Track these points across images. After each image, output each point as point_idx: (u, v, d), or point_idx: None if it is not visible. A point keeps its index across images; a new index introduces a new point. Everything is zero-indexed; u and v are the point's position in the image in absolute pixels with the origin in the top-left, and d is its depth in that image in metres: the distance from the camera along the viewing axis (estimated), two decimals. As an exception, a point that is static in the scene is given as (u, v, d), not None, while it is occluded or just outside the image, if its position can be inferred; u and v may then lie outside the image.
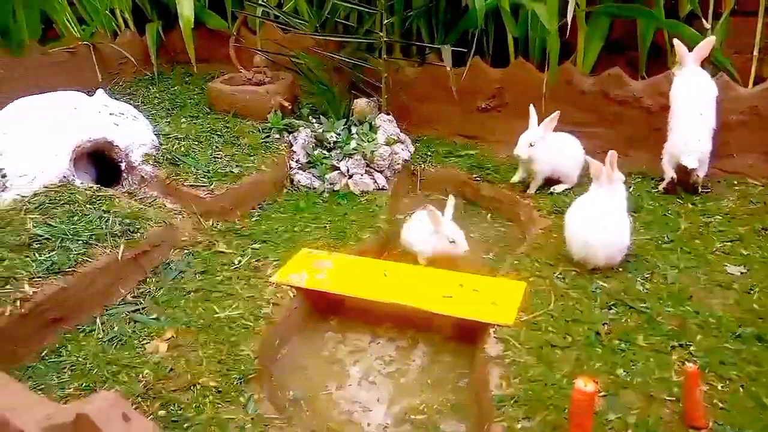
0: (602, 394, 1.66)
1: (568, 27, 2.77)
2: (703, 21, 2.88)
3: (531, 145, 2.69)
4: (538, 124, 2.69)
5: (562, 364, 1.79)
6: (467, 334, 2.10)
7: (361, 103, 3.28)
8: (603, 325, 1.94)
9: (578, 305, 2.04)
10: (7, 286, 1.81)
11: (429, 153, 3.31)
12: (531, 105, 2.72)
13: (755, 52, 2.83)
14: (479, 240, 2.78)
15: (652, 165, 2.85)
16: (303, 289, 2.21)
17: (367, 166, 3.08)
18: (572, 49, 3.13)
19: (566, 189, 2.80)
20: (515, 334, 1.91)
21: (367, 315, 2.26)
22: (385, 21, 3.18)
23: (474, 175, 3.08)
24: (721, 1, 2.91)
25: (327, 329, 2.23)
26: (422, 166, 3.23)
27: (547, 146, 2.71)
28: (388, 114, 3.31)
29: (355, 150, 3.07)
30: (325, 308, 2.29)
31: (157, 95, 3.66)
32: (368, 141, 3.12)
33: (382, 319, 2.24)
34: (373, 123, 3.24)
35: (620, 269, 2.21)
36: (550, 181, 2.83)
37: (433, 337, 2.17)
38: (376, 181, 3.04)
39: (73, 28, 3.73)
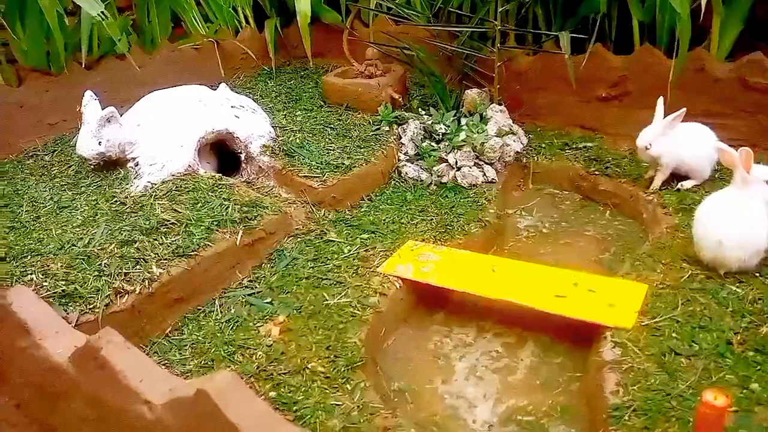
0: (734, 409, 1.51)
1: (702, 11, 2.53)
2: None
3: (647, 148, 2.50)
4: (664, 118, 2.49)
5: (687, 374, 1.65)
6: (580, 336, 2.00)
7: (471, 94, 3.22)
8: (735, 334, 1.77)
9: (707, 311, 1.88)
10: (138, 267, 1.95)
11: (543, 145, 3.18)
12: (660, 97, 2.52)
13: None
14: (597, 238, 2.64)
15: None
16: (409, 281, 2.21)
17: (477, 158, 3.02)
18: (705, 33, 2.87)
19: (695, 185, 2.58)
20: (634, 339, 1.79)
21: (474, 310, 2.21)
22: (500, 8, 3.09)
23: (592, 169, 2.92)
24: None
25: (432, 322, 2.21)
26: (535, 158, 3.11)
27: (673, 138, 2.50)
28: (500, 104, 3.22)
29: (464, 142, 3.01)
30: (430, 301, 2.27)
31: (275, 89, 3.79)
32: (478, 132, 3.05)
33: (489, 315, 2.18)
34: (484, 114, 3.16)
35: (757, 274, 2.00)
36: (677, 176, 2.62)
37: (542, 337, 2.08)
38: (485, 174, 2.97)
39: (199, 25, 3.96)
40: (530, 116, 3.38)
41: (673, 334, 1.79)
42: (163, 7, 3.66)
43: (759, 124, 2.72)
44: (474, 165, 2.99)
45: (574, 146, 3.13)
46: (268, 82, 3.95)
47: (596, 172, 2.91)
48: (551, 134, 3.28)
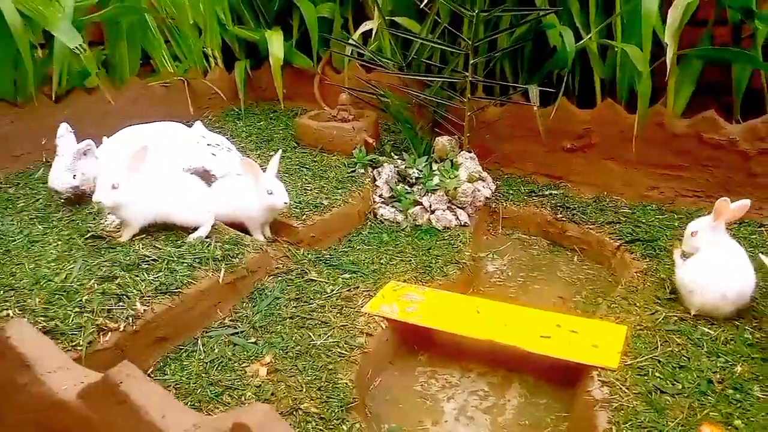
0: (722, 446, 1.57)
1: (668, 70, 2.73)
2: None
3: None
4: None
5: (675, 412, 1.71)
6: (563, 376, 2.04)
7: (442, 141, 3.31)
8: (713, 373, 1.85)
9: (684, 351, 1.96)
10: (120, 303, 1.87)
11: (511, 191, 3.29)
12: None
13: None
14: (567, 281, 2.73)
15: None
16: (393, 321, 2.21)
17: (449, 202, 3.09)
18: (660, 91, 3.09)
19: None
20: (621, 378, 1.84)
21: (458, 351, 2.23)
22: (471, 61, 3.23)
23: (559, 215, 3.04)
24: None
25: (417, 363, 2.21)
26: (504, 204, 3.22)
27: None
28: (470, 152, 3.33)
29: (438, 186, 3.09)
30: (414, 341, 2.27)
31: (245, 129, 3.79)
32: (450, 177, 3.13)
33: (473, 355, 2.20)
34: (454, 160, 3.26)
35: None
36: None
37: (526, 377, 2.12)
38: (458, 218, 3.03)
39: (167, 64, 3.94)
40: (498, 164, 3.50)
41: (657, 374, 1.85)
42: (134, 44, 3.63)
43: (713, 176, 2.91)
44: (447, 209, 3.05)
45: (540, 193, 3.25)
46: (237, 122, 3.95)
47: (563, 219, 3.03)
48: (518, 181, 3.40)
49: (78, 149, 2.39)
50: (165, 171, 2.39)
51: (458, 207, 3.08)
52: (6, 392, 1.35)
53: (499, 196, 3.25)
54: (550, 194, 3.23)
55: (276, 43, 3.84)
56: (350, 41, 3.66)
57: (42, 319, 1.74)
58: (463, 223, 3.02)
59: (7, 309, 1.76)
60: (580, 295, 2.62)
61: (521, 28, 3.29)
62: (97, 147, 2.53)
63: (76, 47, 2.83)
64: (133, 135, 2.71)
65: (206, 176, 2.75)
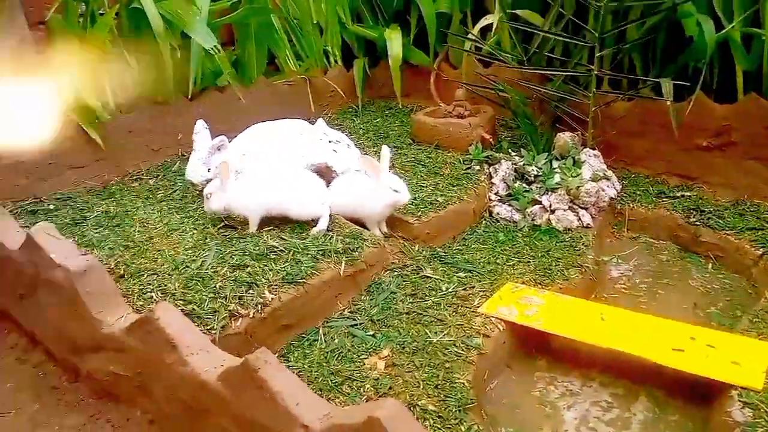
0: None
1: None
2: None
3: None
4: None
5: (833, 443, 1.53)
6: (696, 393, 1.90)
7: (564, 137, 3.18)
8: None
9: (844, 375, 1.75)
10: (251, 291, 1.97)
11: (638, 192, 3.10)
12: None
13: None
14: (700, 291, 2.53)
15: None
16: (512, 324, 2.15)
17: (571, 202, 2.97)
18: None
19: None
20: (766, 401, 1.68)
21: (578, 358, 2.13)
22: (597, 54, 3.07)
23: (692, 219, 2.82)
24: None
25: (535, 368, 2.14)
26: (630, 205, 3.04)
27: None
28: (594, 149, 3.17)
29: (559, 185, 2.97)
30: (532, 346, 2.21)
31: (362, 126, 3.86)
32: (572, 176, 3.01)
33: (595, 364, 2.10)
34: (577, 158, 3.12)
35: None
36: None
37: (654, 390, 1.99)
38: (580, 219, 2.91)
39: (290, 63, 4.09)
40: (624, 162, 3.31)
41: (810, 398, 1.67)
42: (261, 44, 3.81)
43: None
44: (568, 209, 2.93)
45: (671, 195, 3.04)
46: (355, 119, 4.03)
47: (697, 223, 2.81)
48: (646, 181, 3.20)
49: (213, 144, 2.55)
50: (277, 166, 2.49)
51: (580, 207, 2.95)
52: (155, 369, 1.46)
53: (625, 197, 3.08)
54: (683, 196, 3.01)
55: (395, 42, 3.88)
56: (469, 36, 3.61)
57: (181, 302, 1.87)
58: (585, 225, 2.89)
59: (150, 291, 1.91)
60: (715, 307, 2.43)
61: (653, 18, 3.09)
62: (229, 142, 2.68)
63: (212, 48, 3.01)
64: (262, 132, 2.84)
65: (328, 172, 2.84)
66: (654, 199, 3.03)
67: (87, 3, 3.05)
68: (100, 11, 3.07)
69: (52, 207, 2.63)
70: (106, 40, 3.01)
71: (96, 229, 2.40)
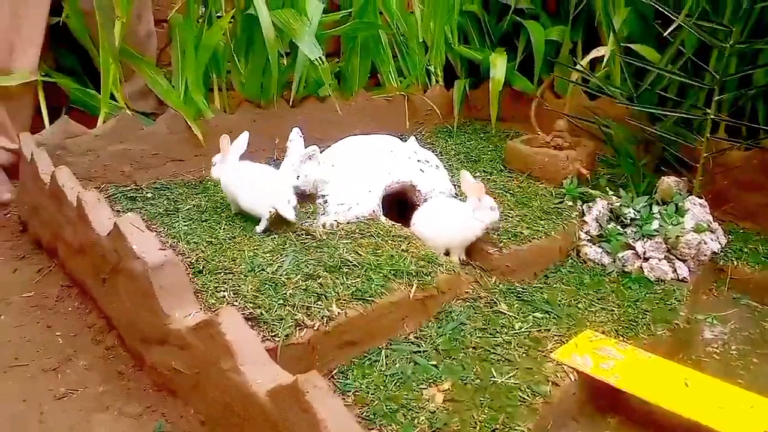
0: None
1: None
2: None
3: None
4: None
5: None
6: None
7: (668, 181, 2.98)
8: None
9: None
10: (319, 302, 1.98)
11: (745, 250, 2.85)
12: None
13: None
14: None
15: None
16: (585, 375, 2.02)
17: (668, 251, 2.77)
18: None
19: None
20: None
21: (654, 423, 1.96)
22: (716, 97, 2.86)
23: (807, 287, 2.55)
24: None
25: (605, 426, 1.99)
26: (735, 263, 2.79)
27: None
28: (700, 197, 2.95)
29: (657, 231, 2.78)
30: (604, 402, 2.06)
31: (454, 147, 3.82)
32: (673, 224, 2.81)
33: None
34: (680, 205, 2.91)
35: None
36: None
37: (737, 473, 1.79)
38: (676, 270, 2.70)
39: (392, 78, 4.13)
40: (733, 216, 3.06)
41: None
42: (365, 58, 3.87)
43: None
44: (664, 258, 2.74)
45: (784, 258, 2.76)
46: (448, 140, 3.99)
47: (812, 292, 2.53)
48: (756, 239, 2.94)
49: (304, 153, 2.60)
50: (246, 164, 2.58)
51: (678, 258, 2.75)
52: (210, 372, 1.49)
53: (730, 253, 2.84)
54: (798, 260, 2.73)
55: (499, 67, 3.82)
56: (577, 67, 3.49)
57: (251, 305, 1.90)
58: (681, 278, 2.68)
59: (223, 291, 1.96)
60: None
61: (786, 63, 2.84)
62: (321, 152, 2.73)
63: (316, 59, 3.09)
64: (354, 145, 2.87)
65: (412, 191, 2.82)
66: (763, 259, 2.78)
67: (206, 5, 3.23)
68: (218, 14, 3.23)
69: (149, 195, 2.78)
70: (219, 42, 3.16)
71: (186, 221, 2.50)
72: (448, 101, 4.26)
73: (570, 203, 3.02)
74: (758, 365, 2.31)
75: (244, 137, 2.64)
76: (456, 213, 2.56)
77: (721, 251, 2.84)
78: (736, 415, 1.82)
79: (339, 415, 1.15)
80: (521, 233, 2.70)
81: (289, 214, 2.40)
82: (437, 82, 4.34)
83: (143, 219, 2.37)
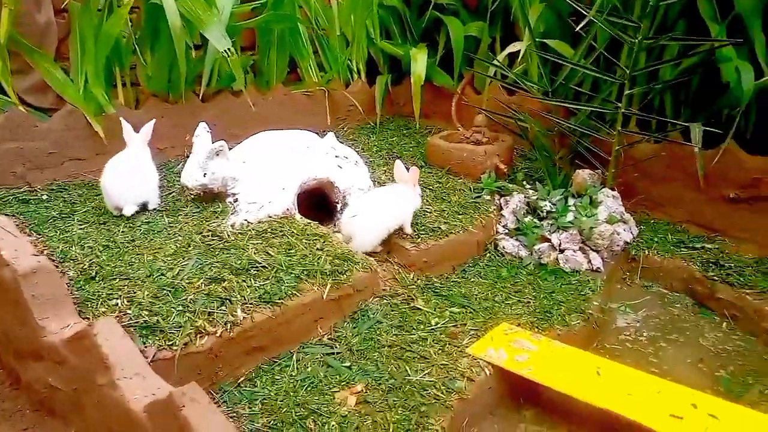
0: None
1: None
2: None
3: None
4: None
5: None
6: (694, 468, 1.72)
7: (583, 174, 3.04)
8: None
9: None
10: (222, 308, 1.87)
11: (656, 239, 2.93)
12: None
13: None
14: (711, 351, 2.35)
15: None
16: (500, 368, 2.01)
17: (583, 242, 2.81)
18: None
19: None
20: (769, 488, 1.51)
21: (568, 413, 1.97)
22: (627, 91, 2.93)
23: (710, 273, 2.64)
24: None
25: (521, 419, 1.99)
26: (646, 252, 2.87)
27: None
28: (613, 189, 3.02)
29: (571, 223, 2.83)
30: (519, 394, 2.05)
31: (377, 144, 3.76)
32: (587, 216, 2.85)
33: (586, 422, 1.94)
34: (594, 197, 2.97)
35: None
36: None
37: (648, 460, 1.81)
38: (590, 261, 2.75)
39: (312, 73, 4.02)
40: (644, 206, 3.15)
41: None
42: (283, 52, 3.75)
43: None
44: (579, 249, 2.78)
45: (690, 245, 2.86)
46: (371, 136, 3.93)
47: (715, 278, 2.63)
48: (665, 228, 3.03)
49: (211, 149, 2.47)
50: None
51: (592, 249, 2.80)
52: (87, 387, 1.36)
53: (641, 243, 2.91)
54: (703, 248, 2.83)
55: (420, 62, 3.79)
56: (495, 62, 3.50)
57: (146, 313, 1.77)
58: (595, 268, 2.73)
59: (116, 299, 1.81)
60: (725, 371, 2.24)
61: (689, 59, 2.94)
62: (230, 148, 2.60)
63: (225, 51, 2.95)
64: (267, 141, 2.76)
65: (330, 188, 2.74)
66: (672, 248, 2.86)
67: (108, -6, 3.02)
68: (120, 3, 3.03)
69: (44, 197, 2.57)
70: (122, 33, 2.97)
71: (81, 225, 2.32)
72: (370, 97, 4.19)
73: (488, 197, 3.02)
74: (668, 350, 2.38)
75: (149, 125, 2.53)
76: (398, 192, 2.61)
77: (633, 241, 2.92)
78: (644, 400, 1.85)
79: (221, 430, 1.05)
80: (439, 228, 2.67)
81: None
82: (359, 77, 4.26)
83: (33, 223, 2.20)
